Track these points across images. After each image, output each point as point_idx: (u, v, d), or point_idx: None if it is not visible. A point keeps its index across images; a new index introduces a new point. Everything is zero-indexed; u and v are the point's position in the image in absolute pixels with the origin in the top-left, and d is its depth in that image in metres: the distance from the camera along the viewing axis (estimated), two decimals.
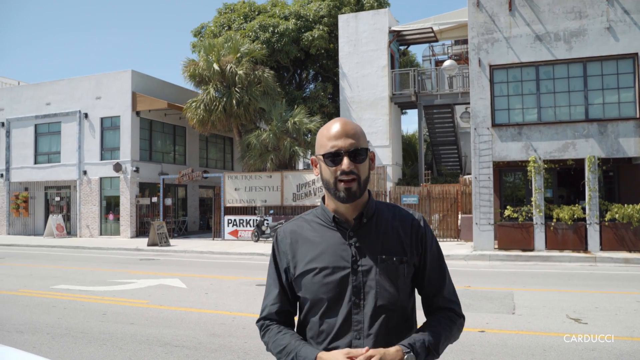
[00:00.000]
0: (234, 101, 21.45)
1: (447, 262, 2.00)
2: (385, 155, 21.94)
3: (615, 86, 14.39)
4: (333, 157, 1.66)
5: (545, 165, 14.88)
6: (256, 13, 27.08)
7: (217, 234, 21.73)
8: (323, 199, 1.79)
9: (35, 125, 25.58)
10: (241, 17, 26.91)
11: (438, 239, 16.09)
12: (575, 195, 16.29)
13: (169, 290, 9.41)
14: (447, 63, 21.82)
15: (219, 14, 28.38)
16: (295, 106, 22.45)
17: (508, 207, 15.24)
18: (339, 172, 1.65)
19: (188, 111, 22.31)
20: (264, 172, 21.23)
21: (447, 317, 1.77)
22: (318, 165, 1.74)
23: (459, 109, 27.35)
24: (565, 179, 16.29)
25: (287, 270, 1.77)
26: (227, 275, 11.61)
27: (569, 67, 14.73)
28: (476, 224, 15.17)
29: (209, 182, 27.13)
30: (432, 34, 23.42)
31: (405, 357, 1.57)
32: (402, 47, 26.11)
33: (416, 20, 24.77)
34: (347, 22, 22.90)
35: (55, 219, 23.92)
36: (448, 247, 15.84)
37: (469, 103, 17.27)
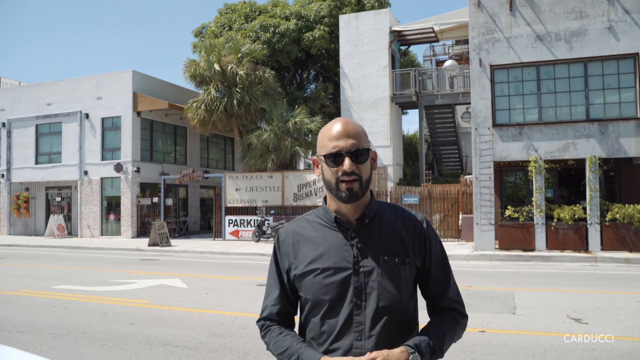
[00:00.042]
0: (234, 101, 21.46)
1: None
2: (386, 155, 21.94)
3: (616, 86, 14.38)
4: (334, 158, 1.65)
5: (546, 165, 14.88)
6: (257, 13, 27.10)
7: (218, 234, 21.74)
8: (325, 199, 1.78)
9: (36, 126, 25.61)
10: (242, 18, 26.93)
11: None
12: (576, 195, 16.28)
13: (170, 291, 9.42)
14: (448, 63, 21.82)
15: (219, 14, 28.40)
16: (296, 106, 22.45)
17: (509, 207, 15.24)
18: (340, 173, 1.64)
19: (189, 111, 22.32)
20: (265, 172, 21.24)
21: (452, 317, 1.77)
22: (320, 166, 1.73)
23: (460, 109, 27.34)
24: (566, 179, 16.29)
25: (288, 271, 1.77)
26: (228, 275, 11.62)
27: (569, 67, 14.72)
28: (477, 224, 15.17)
29: (209, 182, 27.14)
30: (433, 34, 23.42)
31: (411, 357, 1.56)
32: (403, 47, 26.12)
33: (417, 21, 24.76)
34: (347, 22, 22.90)
35: (56, 219, 23.94)
36: (449, 247, 15.83)
37: (469, 103, 17.27)
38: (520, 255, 13.86)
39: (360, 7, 25.34)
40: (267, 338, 1.77)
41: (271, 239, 19.75)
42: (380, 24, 22.38)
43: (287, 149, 20.87)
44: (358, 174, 1.64)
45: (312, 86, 28.13)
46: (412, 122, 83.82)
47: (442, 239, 18.14)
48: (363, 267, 1.66)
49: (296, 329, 1.82)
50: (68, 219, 25.49)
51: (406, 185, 22.21)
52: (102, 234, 23.98)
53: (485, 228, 15.02)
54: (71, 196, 25.66)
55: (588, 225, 14.24)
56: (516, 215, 14.84)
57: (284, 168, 21.74)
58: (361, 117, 21.97)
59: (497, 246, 14.98)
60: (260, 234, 19.80)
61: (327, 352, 1.65)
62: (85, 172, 24.16)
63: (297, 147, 20.99)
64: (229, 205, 21.42)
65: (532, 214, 14.73)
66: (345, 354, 1.62)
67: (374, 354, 1.54)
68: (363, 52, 22.49)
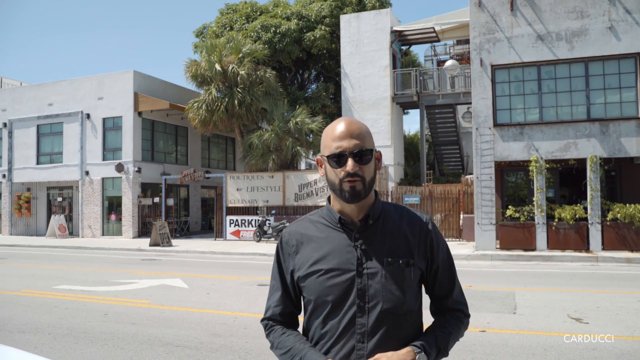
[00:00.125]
0: (235, 101, 21.48)
1: None
2: (387, 155, 21.94)
3: (617, 86, 14.37)
4: (337, 158, 1.63)
5: (547, 165, 14.87)
6: (258, 13, 27.12)
7: (219, 234, 21.76)
8: (329, 199, 1.77)
9: (38, 126, 25.66)
10: (243, 18, 26.95)
11: None
12: (577, 195, 16.28)
13: (171, 291, 9.43)
14: (449, 63, 21.82)
15: (220, 14, 28.42)
16: (297, 106, 22.46)
17: (510, 207, 15.24)
18: (343, 174, 1.62)
19: (190, 111, 22.34)
20: (266, 172, 21.25)
21: (456, 318, 1.77)
22: (323, 166, 1.71)
23: (461, 109, 27.31)
24: (567, 178, 16.28)
25: (292, 272, 1.76)
26: (229, 275, 11.63)
27: (570, 67, 14.71)
28: (478, 223, 15.16)
29: (211, 183, 27.16)
30: (434, 34, 23.42)
31: (417, 357, 1.56)
32: (404, 47, 26.12)
33: (418, 20, 24.77)
34: (349, 22, 22.90)
35: (58, 220, 23.98)
36: (450, 247, 15.78)
37: (470, 103, 17.26)
38: (521, 255, 13.85)
39: (361, 7, 25.34)
40: (271, 337, 1.78)
41: (272, 239, 19.76)
42: (381, 24, 22.39)
43: (288, 149, 20.88)
44: (361, 176, 1.62)
45: (313, 86, 28.13)
46: (413, 122, 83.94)
47: None
48: (367, 268, 1.64)
49: (300, 329, 1.82)
50: (69, 219, 25.52)
51: (407, 185, 22.21)
52: (103, 234, 24.01)
53: (486, 228, 15.01)
54: (72, 196, 25.70)
55: (589, 225, 14.23)
56: (517, 215, 14.83)
57: (285, 168, 21.75)
58: (362, 117, 21.96)
59: (498, 246, 14.97)
60: (261, 234, 19.81)
61: (328, 353, 1.64)
62: (87, 172, 24.19)
63: (298, 147, 21.00)
64: (230, 205, 21.43)
65: (533, 213, 14.72)
66: (348, 355, 1.62)
67: (377, 356, 1.54)
68: (364, 52, 22.49)
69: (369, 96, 22.32)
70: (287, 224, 18.90)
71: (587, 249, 14.13)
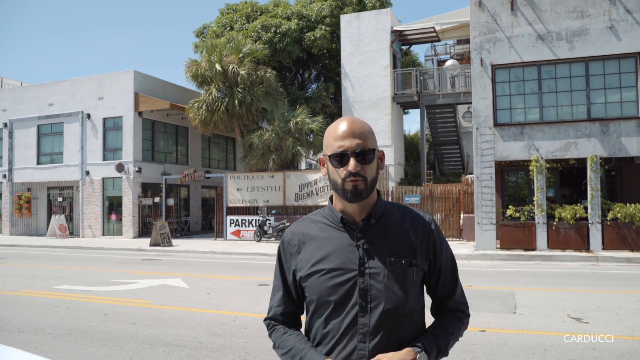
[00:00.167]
0: (236, 101, 21.48)
1: None
2: (388, 155, 21.93)
3: (617, 85, 14.37)
4: (339, 158, 1.62)
5: (547, 165, 14.87)
6: (258, 13, 27.11)
7: (220, 234, 21.77)
8: (331, 198, 1.76)
9: (38, 126, 25.67)
10: (243, 18, 26.94)
11: None
12: (577, 195, 16.28)
13: (171, 290, 9.43)
14: (449, 63, 21.81)
15: (221, 14, 28.41)
16: (298, 106, 22.46)
17: (510, 206, 15.24)
18: (345, 174, 1.62)
19: (190, 111, 22.34)
20: (266, 172, 21.25)
21: (457, 318, 1.78)
22: (325, 165, 1.71)
23: (461, 109, 27.30)
24: (567, 178, 16.28)
25: (294, 272, 1.75)
26: (229, 275, 11.63)
27: (570, 67, 14.71)
28: (478, 223, 15.16)
29: (211, 182, 27.16)
30: (434, 34, 23.41)
31: (418, 356, 1.57)
32: (404, 47, 26.11)
33: (418, 20, 24.78)
34: (349, 22, 22.90)
35: (58, 220, 23.99)
36: (450, 247, 15.81)
37: (471, 103, 17.26)
38: (522, 255, 13.85)
39: (361, 7, 25.33)
40: (273, 337, 1.79)
41: (272, 239, 19.77)
42: (381, 24, 22.38)
43: (288, 148, 20.89)
44: (363, 175, 1.62)
45: (314, 86, 28.11)
46: (413, 122, 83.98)
47: None
48: (369, 268, 1.64)
49: (302, 329, 1.82)
50: (70, 219, 25.54)
51: (407, 184, 22.21)
52: (103, 234, 24.02)
53: (486, 227, 15.02)
54: (73, 196, 25.71)
55: (589, 225, 14.23)
56: (517, 214, 14.83)
57: (286, 168, 21.76)
58: (362, 117, 21.94)
59: (498, 246, 14.97)
60: (261, 233, 19.82)
61: (330, 354, 1.64)
62: (87, 172, 24.20)
63: (299, 147, 21.00)
64: (230, 205, 21.43)
65: (534, 213, 14.72)
66: (349, 356, 1.61)
67: (379, 356, 1.54)
68: (364, 52, 22.49)
69: (369, 96, 22.32)
70: (288, 224, 18.99)
71: (588, 249, 14.13)
